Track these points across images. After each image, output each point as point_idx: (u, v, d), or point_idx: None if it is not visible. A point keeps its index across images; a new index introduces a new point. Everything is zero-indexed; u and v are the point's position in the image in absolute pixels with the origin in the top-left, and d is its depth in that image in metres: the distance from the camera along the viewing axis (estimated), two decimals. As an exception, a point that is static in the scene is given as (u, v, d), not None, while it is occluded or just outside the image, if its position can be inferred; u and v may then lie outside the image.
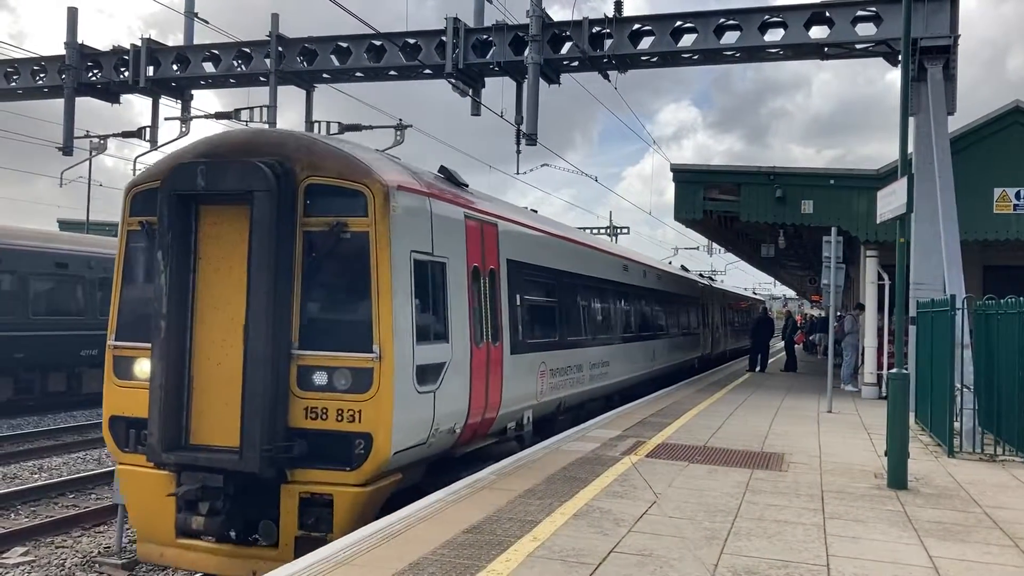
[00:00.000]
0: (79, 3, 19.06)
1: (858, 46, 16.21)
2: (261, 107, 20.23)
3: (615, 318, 17.50)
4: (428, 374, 8.43)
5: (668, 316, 23.43)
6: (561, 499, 7.73)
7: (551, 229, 14.13)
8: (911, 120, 13.70)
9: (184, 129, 21.20)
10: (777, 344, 34.77)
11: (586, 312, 15.23)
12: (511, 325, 10.88)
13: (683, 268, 31.34)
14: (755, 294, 65.61)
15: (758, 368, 25.98)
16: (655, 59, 17.53)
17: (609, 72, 17.88)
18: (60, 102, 20.72)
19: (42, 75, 21.22)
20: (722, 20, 16.61)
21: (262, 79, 19.53)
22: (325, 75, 19.57)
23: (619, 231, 49.87)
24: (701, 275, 35.81)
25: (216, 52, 19.93)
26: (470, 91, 18.04)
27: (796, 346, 30.36)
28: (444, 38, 17.60)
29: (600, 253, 17.28)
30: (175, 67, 20.09)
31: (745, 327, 42.85)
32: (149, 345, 7.89)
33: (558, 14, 20.93)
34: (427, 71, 18.46)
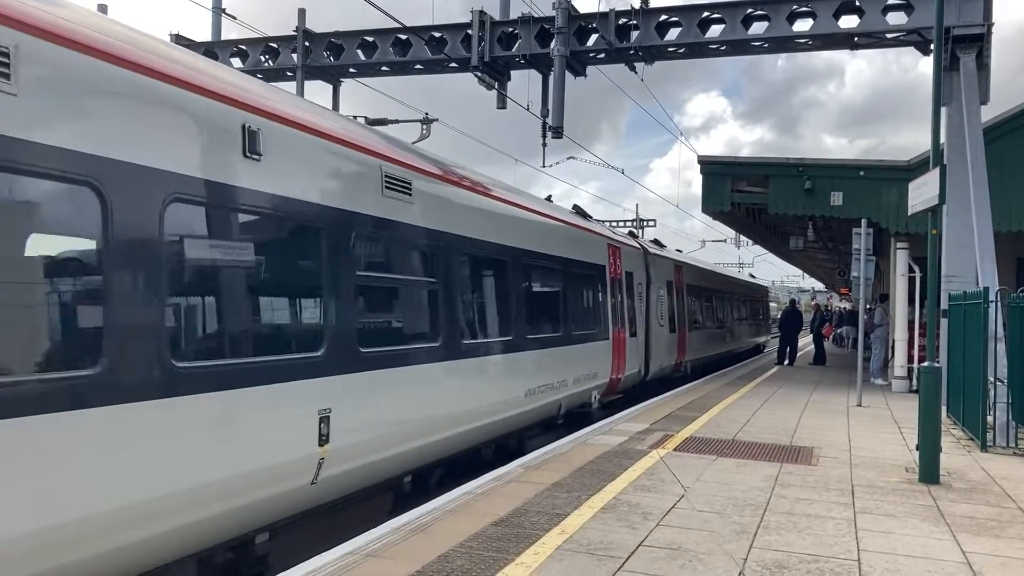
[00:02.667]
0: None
1: (889, 36, 16.00)
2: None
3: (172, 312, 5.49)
4: None
5: (498, 303, 10.95)
6: (589, 492, 7.73)
7: None
8: (943, 110, 13.49)
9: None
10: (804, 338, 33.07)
11: None
12: None
13: (576, 210, 17.14)
14: (753, 277, 51.03)
15: (786, 361, 25.86)
16: (682, 50, 17.42)
17: (636, 64, 17.83)
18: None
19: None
20: (750, 10, 16.46)
21: (289, 74, 19.67)
22: (352, 69, 19.66)
23: (646, 224, 49.56)
24: (632, 233, 23.13)
25: (243, 47, 20.11)
26: (496, 84, 18.07)
27: (825, 340, 29.86)
28: (470, 31, 17.63)
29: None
30: (203, 63, 20.26)
31: (735, 324, 32.67)
32: None
33: (584, 6, 20.82)
34: (453, 64, 18.49)
